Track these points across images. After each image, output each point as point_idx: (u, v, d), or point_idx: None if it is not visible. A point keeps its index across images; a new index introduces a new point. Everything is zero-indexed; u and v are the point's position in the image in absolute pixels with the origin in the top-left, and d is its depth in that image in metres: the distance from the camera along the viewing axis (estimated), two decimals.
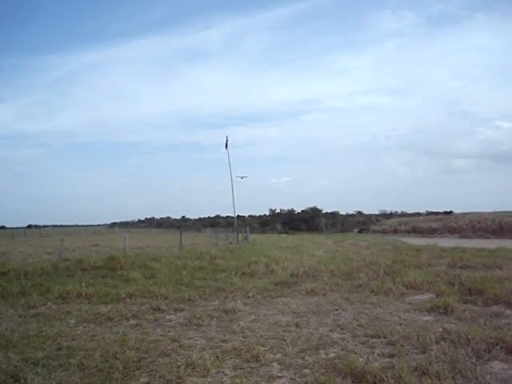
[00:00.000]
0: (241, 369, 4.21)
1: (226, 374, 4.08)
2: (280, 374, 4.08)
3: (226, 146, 29.66)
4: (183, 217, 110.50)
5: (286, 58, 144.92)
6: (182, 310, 7.13)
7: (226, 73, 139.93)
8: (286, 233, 56.21)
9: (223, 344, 5.04)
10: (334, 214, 73.92)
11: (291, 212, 75.39)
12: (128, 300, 7.83)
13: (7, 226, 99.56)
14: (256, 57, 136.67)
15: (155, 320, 6.43)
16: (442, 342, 4.71)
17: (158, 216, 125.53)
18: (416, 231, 43.61)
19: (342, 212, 79.20)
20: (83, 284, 8.72)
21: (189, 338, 5.34)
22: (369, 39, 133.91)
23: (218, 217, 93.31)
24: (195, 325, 6.06)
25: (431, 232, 41.05)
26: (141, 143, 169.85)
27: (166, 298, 7.88)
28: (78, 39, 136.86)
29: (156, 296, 8.03)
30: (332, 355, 4.57)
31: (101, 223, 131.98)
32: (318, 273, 10.64)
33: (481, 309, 6.72)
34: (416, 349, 4.69)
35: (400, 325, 5.77)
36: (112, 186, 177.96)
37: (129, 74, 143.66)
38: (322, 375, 3.95)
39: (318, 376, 3.93)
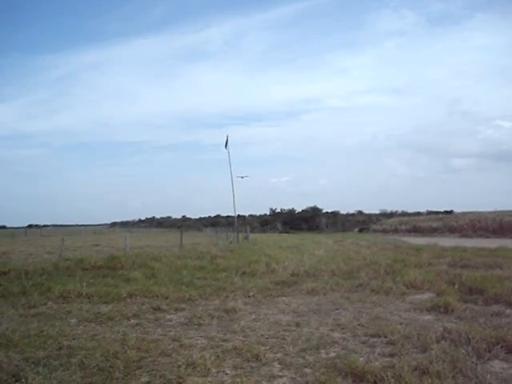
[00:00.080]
0: (241, 368, 4.21)
1: (227, 374, 4.09)
2: (281, 374, 4.09)
3: (226, 145, 29.61)
4: (184, 216, 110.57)
5: (286, 57, 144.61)
6: (183, 309, 7.14)
7: (225, 72, 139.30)
8: (287, 232, 56.21)
9: (224, 343, 5.05)
10: (334, 214, 73.82)
11: (292, 211, 75.25)
12: (128, 299, 7.84)
13: (8, 225, 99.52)
14: (256, 56, 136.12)
15: (156, 319, 6.44)
16: (443, 342, 4.72)
17: (158, 216, 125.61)
18: (416, 230, 43.51)
19: (343, 211, 79.02)
20: (84, 283, 8.74)
21: (189, 338, 5.35)
22: (369, 39, 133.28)
23: (218, 216, 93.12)
24: (196, 324, 6.07)
25: (432, 231, 40.98)
26: (141, 143, 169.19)
27: (167, 298, 7.89)
28: (77, 39, 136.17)
29: (156, 295, 8.04)
30: (332, 354, 4.57)
31: (101, 223, 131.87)
32: (318, 272, 10.64)
33: (481, 308, 6.71)
34: (416, 348, 4.69)
35: (400, 324, 5.77)
36: (112, 186, 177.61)
37: (129, 74, 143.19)
38: (322, 374, 3.95)
39: (318, 375, 3.94)
